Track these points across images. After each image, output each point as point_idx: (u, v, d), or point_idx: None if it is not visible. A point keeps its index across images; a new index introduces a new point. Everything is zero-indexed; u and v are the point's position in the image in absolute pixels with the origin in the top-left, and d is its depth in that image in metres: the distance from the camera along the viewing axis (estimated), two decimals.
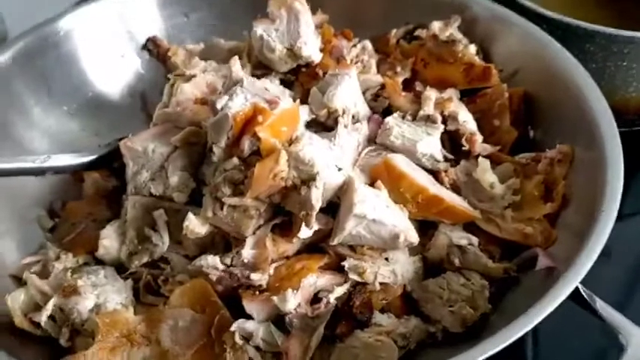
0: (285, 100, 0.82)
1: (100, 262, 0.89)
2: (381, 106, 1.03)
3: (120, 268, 0.88)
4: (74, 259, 0.88)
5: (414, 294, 0.84)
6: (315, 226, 0.78)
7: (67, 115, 1.12)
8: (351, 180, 0.80)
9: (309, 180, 0.77)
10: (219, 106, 0.80)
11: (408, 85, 1.08)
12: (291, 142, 0.81)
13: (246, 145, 0.79)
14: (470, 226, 0.89)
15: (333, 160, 0.81)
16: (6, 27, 1.41)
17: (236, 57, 0.87)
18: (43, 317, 0.80)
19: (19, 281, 0.90)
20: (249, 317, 0.79)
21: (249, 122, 0.79)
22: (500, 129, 1.01)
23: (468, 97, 1.05)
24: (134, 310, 0.81)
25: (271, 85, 0.86)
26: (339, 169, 0.81)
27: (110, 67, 1.18)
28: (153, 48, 1.22)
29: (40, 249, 0.95)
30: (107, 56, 1.18)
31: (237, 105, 0.80)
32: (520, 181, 0.93)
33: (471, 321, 0.80)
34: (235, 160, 0.80)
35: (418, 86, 1.07)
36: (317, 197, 0.75)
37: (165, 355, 0.77)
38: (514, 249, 0.89)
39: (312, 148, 0.79)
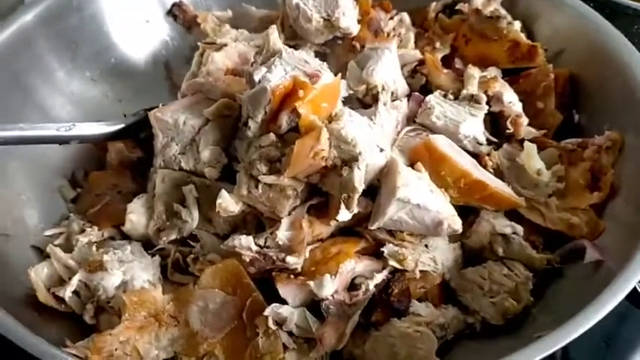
0: (326, 73, 0.77)
1: (125, 237, 0.85)
2: (417, 83, 0.98)
3: (146, 243, 0.84)
4: (99, 232, 0.84)
5: (452, 282, 0.80)
6: (355, 209, 0.74)
7: (90, 80, 1.08)
8: (394, 162, 0.76)
9: (350, 160, 0.73)
10: (257, 78, 0.76)
11: (446, 62, 1.02)
12: (330, 119, 0.76)
13: (284, 120, 0.75)
14: (510, 214, 0.85)
15: (374, 140, 0.77)
16: None
17: (274, 26, 0.82)
18: (67, 293, 0.77)
19: (41, 253, 0.87)
20: (281, 301, 0.75)
21: (288, 97, 0.75)
22: (545, 112, 0.96)
23: (510, 76, 0.99)
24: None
25: (311, 58, 0.81)
26: (381, 150, 0.77)
27: (135, 32, 1.14)
28: (179, 14, 1.17)
29: (63, 220, 0.92)
30: (132, 21, 1.13)
31: (276, 78, 0.75)
32: (564, 168, 0.89)
33: (513, 313, 0.77)
34: (272, 137, 0.75)
35: (457, 63, 1.02)
36: (360, 179, 0.71)
37: (194, 337, 0.74)
38: (555, 238, 0.85)
39: (354, 126, 0.74)
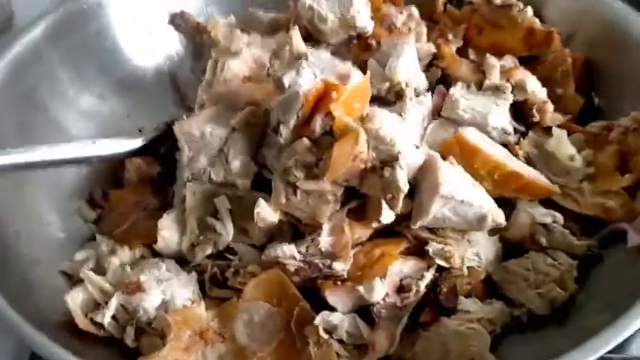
0: (355, 74, 0.76)
1: (156, 255, 0.83)
2: (433, 78, 0.97)
3: (179, 260, 0.82)
4: (130, 252, 0.82)
5: (494, 276, 0.79)
6: (399, 210, 0.72)
7: (98, 96, 1.05)
8: (433, 157, 0.75)
9: (390, 160, 0.71)
10: (287, 83, 0.74)
11: (459, 54, 1.01)
12: (362, 119, 0.75)
13: (318, 124, 0.73)
14: (543, 202, 0.84)
15: (408, 137, 0.76)
16: (12, 8, 1.33)
17: (296, 28, 0.80)
18: (106, 318, 0.75)
19: (70, 278, 0.85)
20: (325, 309, 0.74)
21: (320, 100, 0.73)
22: (565, 97, 0.96)
23: (525, 64, 0.99)
24: None
25: (336, 59, 0.79)
26: (417, 147, 0.76)
27: (138, 46, 1.11)
28: (181, 23, 1.15)
29: (86, 241, 0.90)
30: (135, 35, 1.10)
31: (306, 82, 0.73)
32: (592, 152, 0.88)
33: (560, 302, 0.76)
34: (305, 142, 0.74)
35: (472, 54, 1.01)
36: (404, 179, 0.70)
37: (243, 352, 0.72)
38: (589, 224, 0.85)
39: (389, 125, 0.73)
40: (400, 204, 0.71)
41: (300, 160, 0.73)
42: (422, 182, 0.75)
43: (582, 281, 0.79)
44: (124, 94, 1.09)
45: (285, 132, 0.75)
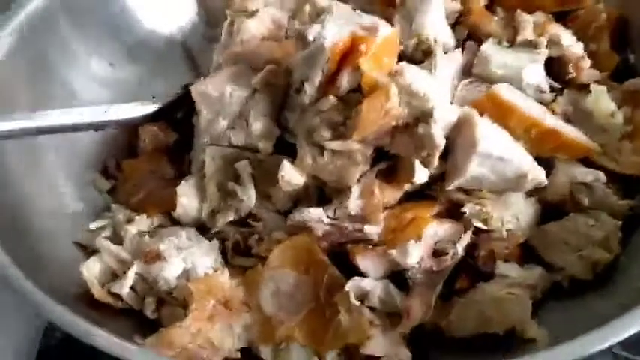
0: (384, 26, 0.71)
1: (175, 223, 0.79)
2: (460, 36, 0.92)
3: (199, 228, 0.78)
4: (148, 220, 0.78)
5: (532, 240, 0.75)
6: (434, 169, 0.68)
7: (109, 63, 1.02)
8: (469, 114, 0.70)
9: (423, 116, 0.67)
10: (310, 37, 0.69)
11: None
12: (391, 74, 0.70)
13: (345, 80, 0.69)
14: (582, 163, 0.79)
15: (441, 93, 0.71)
16: None
17: None
18: (124, 288, 0.71)
19: (84, 249, 0.81)
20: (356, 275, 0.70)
21: (347, 54, 0.69)
22: (599, 54, 0.90)
23: (556, 20, 0.94)
24: None
25: (361, 13, 0.75)
26: (451, 102, 0.71)
27: (150, 12, 1.07)
28: None
29: (102, 212, 0.86)
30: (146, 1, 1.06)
31: (331, 35, 0.69)
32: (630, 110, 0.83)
33: (603, 265, 0.72)
34: (332, 99, 0.69)
35: (500, 13, 0.96)
36: (440, 134, 0.66)
37: (269, 322, 0.69)
38: (629, 185, 0.80)
39: (422, 80, 0.69)
40: (436, 161, 0.67)
41: (326, 120, 0.69)
42: (457, 140, 0.71)
43: (623, 244, 0.75)
44: (136, 60, 1.05)
45: (309, 89, 0.70)
